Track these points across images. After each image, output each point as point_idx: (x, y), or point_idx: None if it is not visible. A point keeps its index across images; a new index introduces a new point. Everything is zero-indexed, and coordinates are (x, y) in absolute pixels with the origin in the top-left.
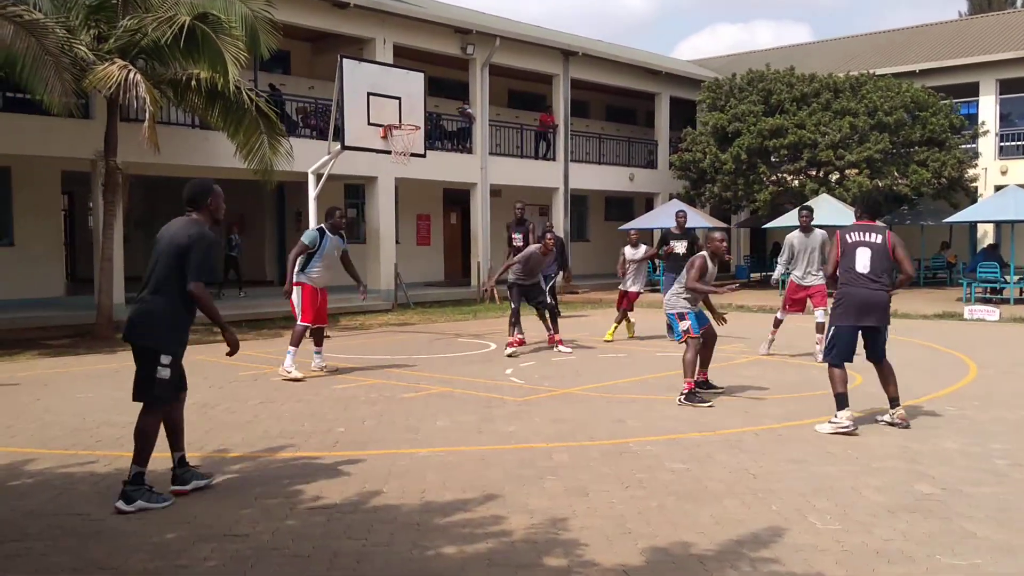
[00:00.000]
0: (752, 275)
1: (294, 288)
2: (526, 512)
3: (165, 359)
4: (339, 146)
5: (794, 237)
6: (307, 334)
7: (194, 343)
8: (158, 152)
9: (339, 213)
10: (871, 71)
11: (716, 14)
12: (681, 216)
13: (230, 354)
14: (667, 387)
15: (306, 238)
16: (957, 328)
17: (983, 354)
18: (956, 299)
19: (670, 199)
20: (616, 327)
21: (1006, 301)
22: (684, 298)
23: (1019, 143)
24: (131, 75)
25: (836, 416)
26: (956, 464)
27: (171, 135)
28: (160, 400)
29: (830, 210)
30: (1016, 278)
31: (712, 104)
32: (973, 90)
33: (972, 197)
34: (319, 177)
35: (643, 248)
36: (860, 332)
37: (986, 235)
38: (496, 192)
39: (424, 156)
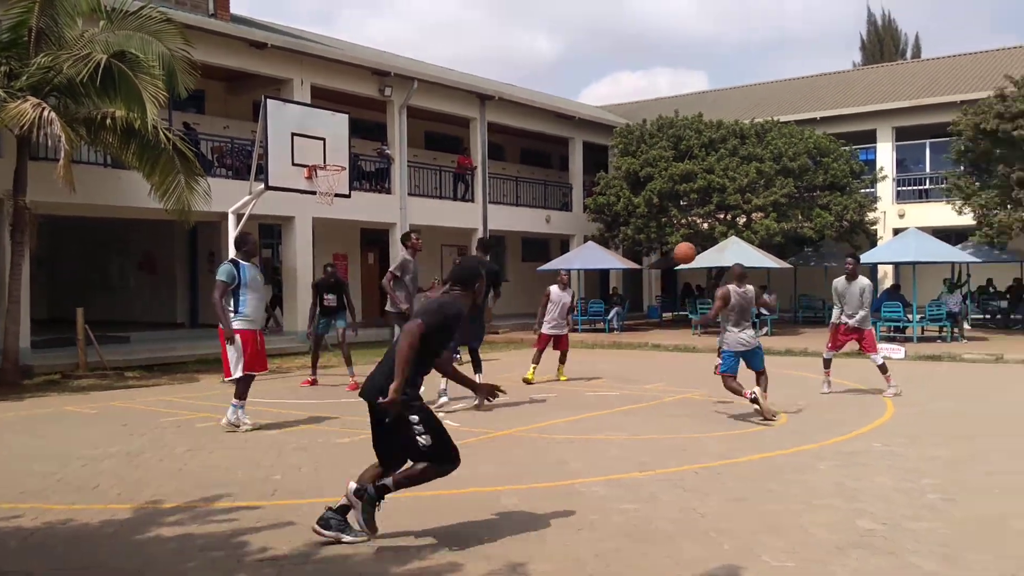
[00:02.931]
0: (664, 315)
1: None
2: (483, 558)
3: None
4: (262, 186)
5: (838, 283)
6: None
7: (105, 388)
8: (73, 191)
9: (251, 240)
10: (775, 118)
11: (617, 61)
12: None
13: None
14: (602, 427)
15: (222, 274)
16: (868, 366)
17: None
18: None
19: (585, 241)
20: (535, 368)
21: (909, 339)
22: None
23: (915, 188)
24: (45, 113)
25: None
26: (893, 500)
27: (83, 174)
28: None
29: (739, 252)
30: (918, 317)
31: (624, 149)
32: (871, 137)
33: (872, 239)
34: (240, 217)
35: (570, 292)
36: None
37: (886, 276)
38: (415, 231)
39: (349, 196)
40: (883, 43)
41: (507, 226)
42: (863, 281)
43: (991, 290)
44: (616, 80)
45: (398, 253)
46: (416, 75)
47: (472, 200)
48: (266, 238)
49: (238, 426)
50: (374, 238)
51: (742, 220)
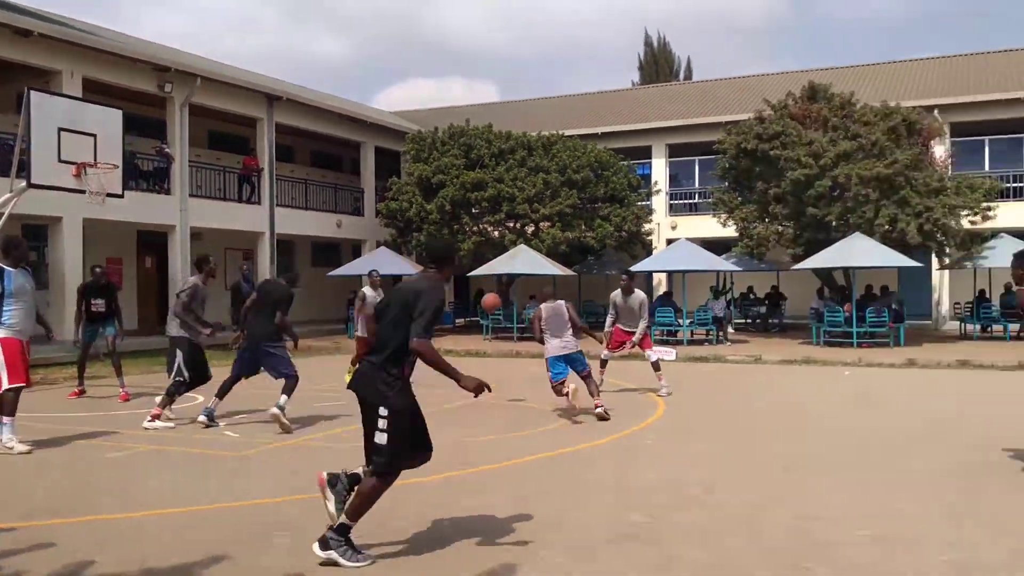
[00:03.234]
0: (457, 321)
1: None
2: (259, 571)
3: None
4: (24, 183)
5: (616, 296)
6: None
7: None
8: None
9: (21, 244)
10: (560, 132)
11: (412, 68)
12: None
13: None
14: None
15: None
16: (643, 367)
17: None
18: None
19: (377, 246)
20: (352, 370)
21: (680, 342)
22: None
23: (686, 201)
24: None
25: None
26: (659, 492)
27: None
28: None
29: (527, 260)
30: (688, 321)
31: (416, 155)
32: (647, 153)
33: (648, 249)
34: None
35: (381, 292)
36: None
37: (661, 283)
38: (196, 235)
39: (122, 196)
40: (659, 65)
41: (297, 230)
42: (639, 295)
43: (752, 297)
44: (412, 86)
45: (187, 276)
46: (199, 72)
47: (259, 203)
48: (32, 240)
49: (13, 448)
50: (152, 241)
51: (531, 229)
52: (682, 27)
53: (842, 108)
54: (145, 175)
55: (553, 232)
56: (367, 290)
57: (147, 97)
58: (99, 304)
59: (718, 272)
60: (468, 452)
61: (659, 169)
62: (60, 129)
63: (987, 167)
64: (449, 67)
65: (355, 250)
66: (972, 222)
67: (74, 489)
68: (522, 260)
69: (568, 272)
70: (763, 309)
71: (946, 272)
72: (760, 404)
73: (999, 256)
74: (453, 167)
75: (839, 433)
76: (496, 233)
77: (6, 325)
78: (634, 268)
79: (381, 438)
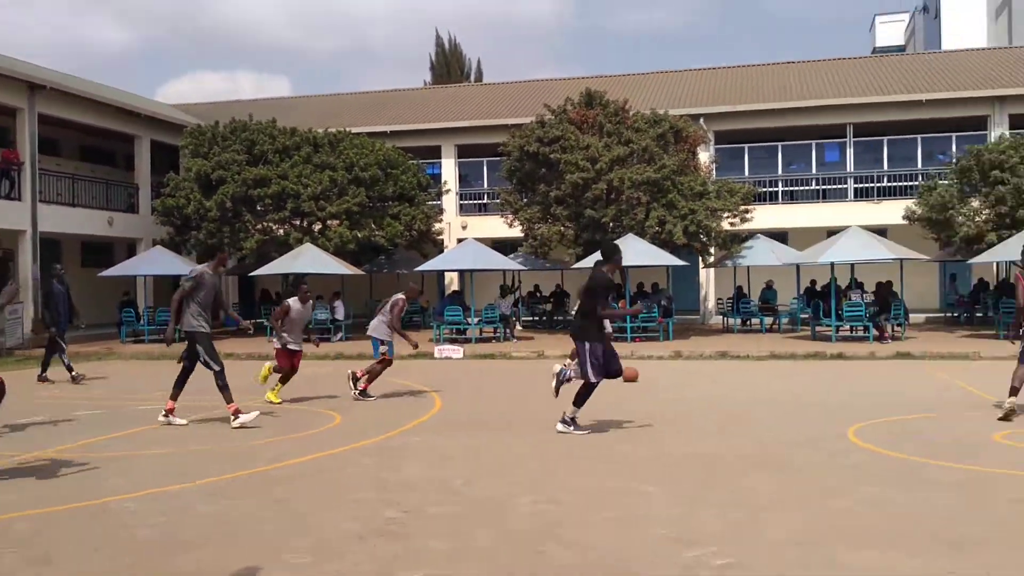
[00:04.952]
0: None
1: None
2: None
3: None
4: None
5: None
6: None
7: None
8: None
9: None
10: (348, 129)
11: (200, 61)
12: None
13: None
14: (151, 441)
15: None
16: (431, 366)
17: (450, 387)
18: (428, 340)
19: (154, 245)
20: (280, 388)
21: (469, 340)
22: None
23: (476, 201)
24: None
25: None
26: (419, 488)
27: None
28: None
29: (313, 259)
30: (476, 320)
31: (195, 150)
32: (437, 152)
33: (440, 248)
34: None
35: (311, 304)
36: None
37: (452, 282)
38: None
39: None
40: (450, 66)
41: (63, 228)
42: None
43: (538, 295)
44: (199, 80)
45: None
46: None
47: (19, 199)
48: None
49: None
50: None
51: (317, 227)
52: (473, 29)
53: (616, 115)
54: None
55: (341, 231)
56: (293, 302)
57: None
58: None
59: (505, 271)
60: (234, 457)
61: (449, 169)
62: None
63: (746, 172)
64: (239, 61)
65: (130, 249)
66: (732, 224)
67: None
68: (307, 259)
69: (357, 271)
70: (549, 307)
71: (712, 270)
72: (533, 398)
73: (756, 255)
74: (235, 163)
75: (599, 421)
76: (281, 231)
77: None
78: (425, 267)
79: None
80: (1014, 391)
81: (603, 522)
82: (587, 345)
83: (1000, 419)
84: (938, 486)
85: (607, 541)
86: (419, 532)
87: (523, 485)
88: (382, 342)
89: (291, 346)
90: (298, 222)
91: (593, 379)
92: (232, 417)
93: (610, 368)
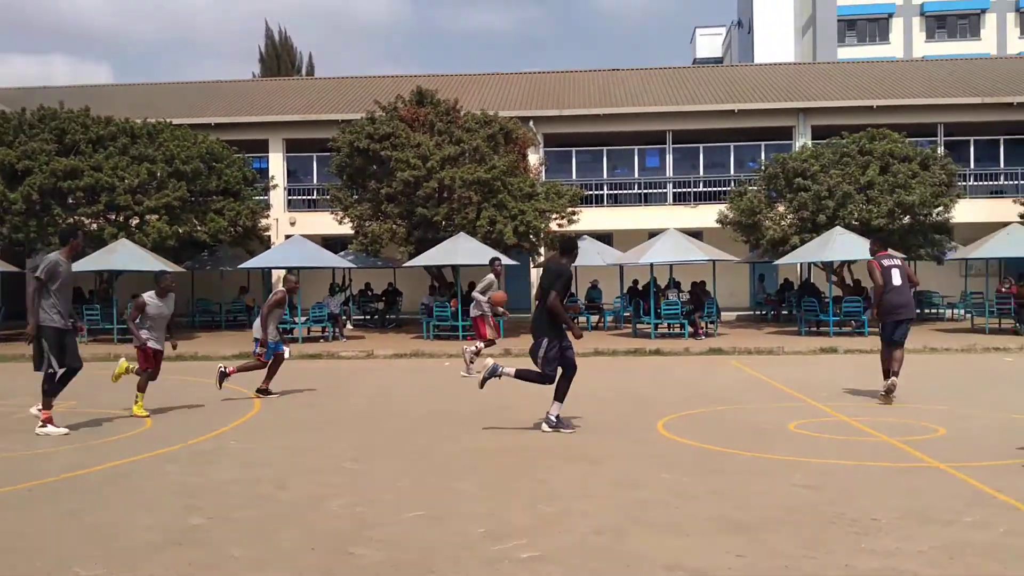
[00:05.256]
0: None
1: None
2: None
3: None
4: None
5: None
6: None
7: None
8: None
9: None
10: (169, 120)
11: (6, 43)
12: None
13: None
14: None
15: None
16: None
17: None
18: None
19: None
20: (142, 396)
21: (296, 340)
22: None
23: (304, 197)
24: None
25: None
26: (228, 493)
27: None
28: None
29: (129, 255)
30: (303, 319)
31: None
32: (264, 146)
33: (267, 244)
34: None
35: (172, 297)
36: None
37: (279, 280)
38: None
39: None
40: (280, 59)
41: None
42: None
43: (370, 293)
44: (6, 62)
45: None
46: None
47: None
48: None
49: None
50: None
51: (135, 222)
52: (305, 23)
53: (447, 114)
54: None
55: (159, 225)
56: (148, 297)
57: None
58: None
59: (335, 269)
60: (26, 467)
61: (277, 163)
62: None
63: (574, 175)
64: (53, 45)
65: None
66: (560, 225)
67: None
68: (122, 255)
69: (178, 268)
70: (380, 305)
71: (541, 270)
72: (356, 398)
73: (583, 256)
74: (43, 153)
75: (417, 419)
76: (94, 226)
77: None
78: (251, 263)
79: (540, 353)
80: (887, 372)
81: (415, 520)
82: (545, 340)
83: (880, 399)
84: (732, 473)
85: (417, 539)
86: (222, 539)
87: (337, 487)
88: (259, 342)
89: (152, 344)
90: (113, 216)
91: (550, 372)
92: (40, 423)
93: (565, 361)
